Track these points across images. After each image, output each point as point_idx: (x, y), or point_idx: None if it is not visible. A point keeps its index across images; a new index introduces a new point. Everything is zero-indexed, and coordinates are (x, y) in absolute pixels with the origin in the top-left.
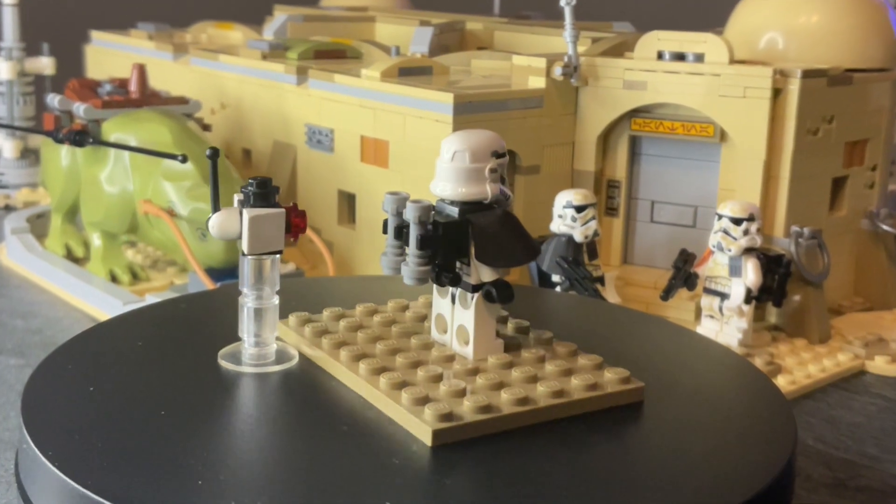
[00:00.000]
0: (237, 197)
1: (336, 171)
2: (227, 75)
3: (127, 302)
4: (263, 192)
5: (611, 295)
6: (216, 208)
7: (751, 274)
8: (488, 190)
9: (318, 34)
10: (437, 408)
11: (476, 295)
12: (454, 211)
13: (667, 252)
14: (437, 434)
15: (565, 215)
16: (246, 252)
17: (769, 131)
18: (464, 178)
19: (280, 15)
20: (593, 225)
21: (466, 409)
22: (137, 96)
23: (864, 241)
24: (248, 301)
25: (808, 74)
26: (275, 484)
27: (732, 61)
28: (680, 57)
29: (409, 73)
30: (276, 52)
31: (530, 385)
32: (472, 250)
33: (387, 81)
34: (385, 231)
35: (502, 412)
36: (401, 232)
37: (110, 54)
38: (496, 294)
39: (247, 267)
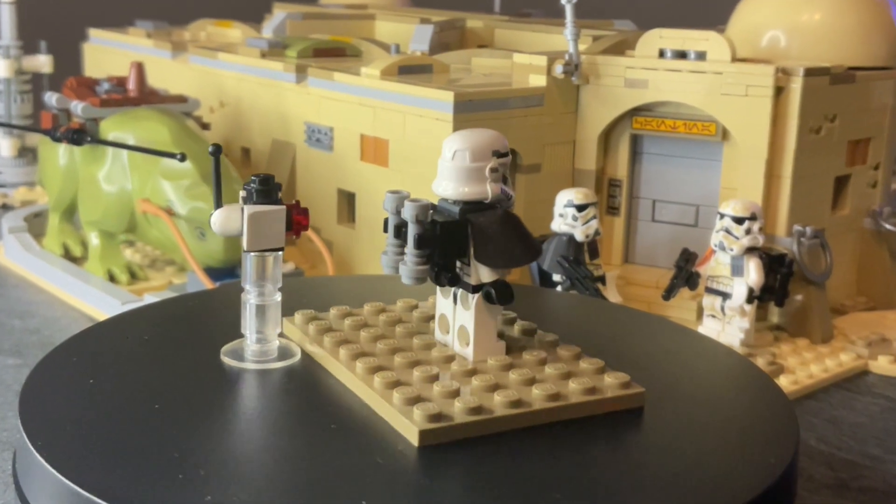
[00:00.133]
0: (242, 194)
1: (335, 169)
2: (225, 73)
3: (125, 301)
4: (266, 189)
5: (612, 294)
6: (219, 205)
7: (753, 273)
8: (489, 190)
9: (318, 32)
10: (427, 408)
11: (476, 296)
12: (455, 210)
13: (668, 251)
14: (423, 434)
15: (566, 214)
16: (245, 248)
17: (771, 130)
18: (464, 178)
19: (279, 13)
20: (594, 224)
21: (457, 409)
22: (136, 95)
23: (867, 240)
24: (250, 298)
25: (810, 73)
26: (253, 480)
27: (734, 59)
28: (682, 55)
29: (409, 71)
30: (275, 50)
31: (526, 387)
32: (472, 250)
33: (387, 80)
34: (386, 230)
35: (494, 414)
36: (400, 231)
37: (108, 52)
38: (495, 295)
39: (249, 264)
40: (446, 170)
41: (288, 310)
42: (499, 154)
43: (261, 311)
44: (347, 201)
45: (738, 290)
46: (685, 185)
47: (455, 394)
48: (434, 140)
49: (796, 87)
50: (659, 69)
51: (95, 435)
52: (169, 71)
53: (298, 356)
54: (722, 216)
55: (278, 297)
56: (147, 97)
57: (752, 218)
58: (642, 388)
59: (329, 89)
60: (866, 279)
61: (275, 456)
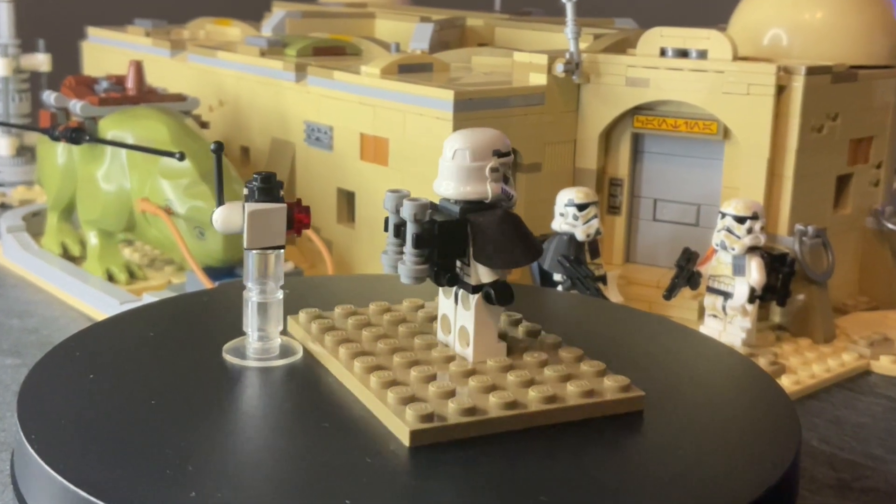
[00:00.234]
0: (245, 192)
1: (335, 169)
2: (224, 72)
3: (124, 301)
4: (267, 187)
5: (613, 294)
6: (220, 202)
7: (754, 273)
8: (488, 189)
9: (317, 30)
10: (420, 408)
11: (476, 296)
12: (455, 210)
13: (669, 251)
14: (415, 434)
15: (567, 214)
16: (246, 245)
17: (773, 129)
18: (464, 177)
19: (278, 11)
20: (595, 223)
21: (451, 410)
22: (134, 93)
23: (869, 239)
24: (252, 295)
25: (812, 71)
26: (238, 478)
27: (736, 58)
28: (683, 54)
29: (410, 69)
30: (274, 48)
31: (523, 389)
32: (471, 250)
33: (387, 78)
34: (386, 229)
35: (489, 415)
36: (400, 230)
37: (107, 51)
38: (494, 296)
39: (251, 261)
40: (447, 169)
41: (292, 309)
42: (500, 153)
43: (262, 308)
44: (347, 201)
45: (740, 289)
46: (686, 184)
47: (450, 394)
48: (434, 139)
49: (798, 85)
50: (660, 68)
51: (94, 435)
52: (168, 69)
53: (300, 354)
54: (723, 215)
55: (280, 294)
56: (146, 96)
57: (754, 217)
58: (642, 391)
59: (329, 88)
60: (868, 279)
61: (265, 454)
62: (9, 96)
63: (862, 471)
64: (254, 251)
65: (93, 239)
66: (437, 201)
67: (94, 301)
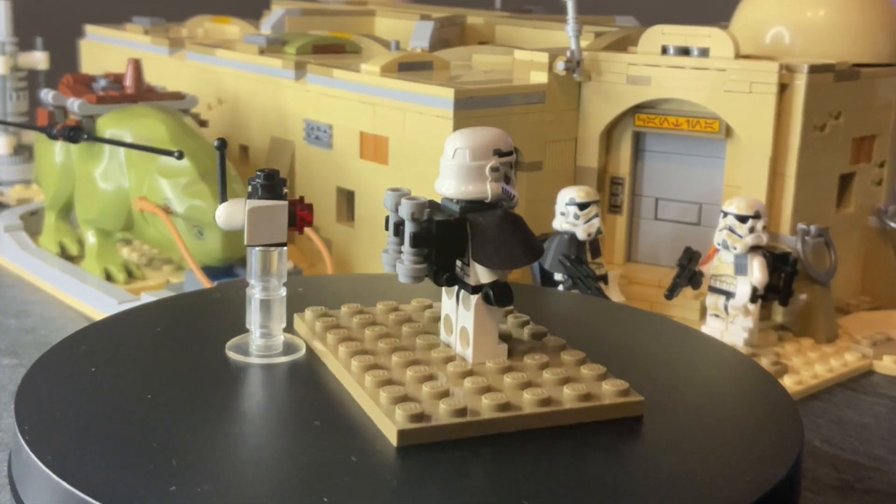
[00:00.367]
0: (248, 189)
1: (335, 167)
2: (223, 70)
3: (122, 301)
4: (270, 185)
5: (614, 294)
6: (223, 199)
7: (756, 272)
8: (489, 189)
9: (317, 28)
10: (410, 408)
11: (476, 296)
12: (456, 210)
13: (671, 250)
14: (402, 434)
15: (568, 213)
16: (246, 242)
17: (775, 127)
18: (464, 177)
19: (278, 9)
20: (596, 222)
21: (442, 411)
22: (133, 92)
23: (872, 238)
24: (255, 292)
25: (814, 69)
26: (223, 473)
27: (738, 56)
28: (684, 51)
29: (410, 67)
30: (273, 46)
31: (518, 391)
32: (470, 250)
33: (386, 76)
34: (387, 228)
35: (481, 416)
36: (399, 229)
37: (105, 49)
38: (493, 296)
39: (254, 259)
40: (447, 168)
41: (299, 307)
42: (501, 153)
43: (265, 305)
44: (347, 200)
45: (742, 289)
46: (688, 182)
47: (444, 395)
48: (434, 138)
49: (800, 84)
50: (661, 66)
51: (92, 435)
52: (166, 68)
53: (303, 352)
54: (725, 214)
55: (283, 291)
56: (144, 94)
57: (756, 216)
58: (641, 396)
59: (328, 86)
60: (871, 278)
61: (254, 451)
62: (6, 94)
63: (865, 471)
64: (256, 248)
65: (91, 238)
66: (439, 200)
67: (92, 301)
